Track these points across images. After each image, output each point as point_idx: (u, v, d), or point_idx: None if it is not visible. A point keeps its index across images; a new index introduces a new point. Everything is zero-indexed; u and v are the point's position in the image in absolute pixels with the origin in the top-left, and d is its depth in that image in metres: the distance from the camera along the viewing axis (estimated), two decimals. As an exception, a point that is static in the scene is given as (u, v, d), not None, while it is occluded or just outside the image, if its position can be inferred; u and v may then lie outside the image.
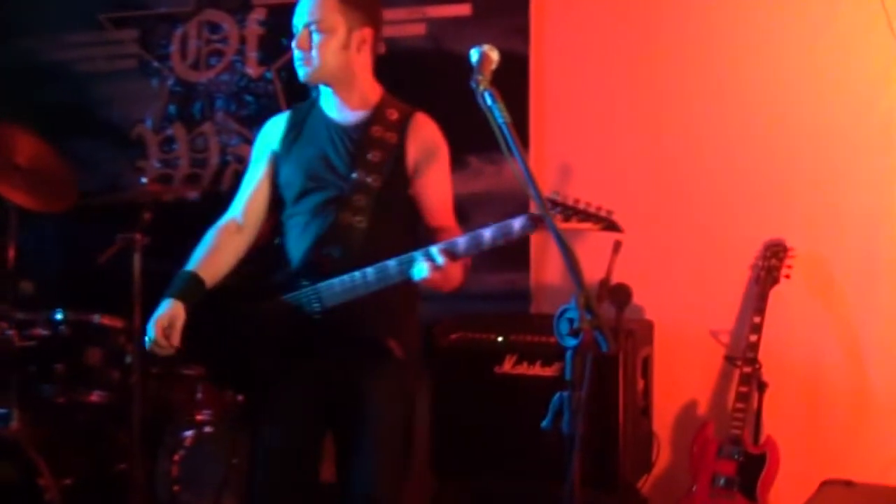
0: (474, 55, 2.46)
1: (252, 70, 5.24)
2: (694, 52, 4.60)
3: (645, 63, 4.64)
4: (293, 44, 3.05)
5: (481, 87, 2.36)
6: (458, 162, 4.75)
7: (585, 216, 2.45)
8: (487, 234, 2.63)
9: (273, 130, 3.20)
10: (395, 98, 3.15)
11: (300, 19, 3.05)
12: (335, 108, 3.10)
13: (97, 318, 4.16)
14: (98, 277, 4.25)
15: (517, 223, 2.57)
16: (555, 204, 2.44)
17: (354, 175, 2.96)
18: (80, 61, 5.48)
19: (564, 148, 4.71)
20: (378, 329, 2.98)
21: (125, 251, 4.13)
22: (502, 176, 4.71)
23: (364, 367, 2.98)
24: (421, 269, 2.71)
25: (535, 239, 4.67)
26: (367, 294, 2.86)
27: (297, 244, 3.03)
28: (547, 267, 4.71)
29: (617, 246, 4.01)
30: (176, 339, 2.92)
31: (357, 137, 3.03)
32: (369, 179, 2.95)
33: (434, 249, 2.70)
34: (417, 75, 4.59)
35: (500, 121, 2.31)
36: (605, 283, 3.99)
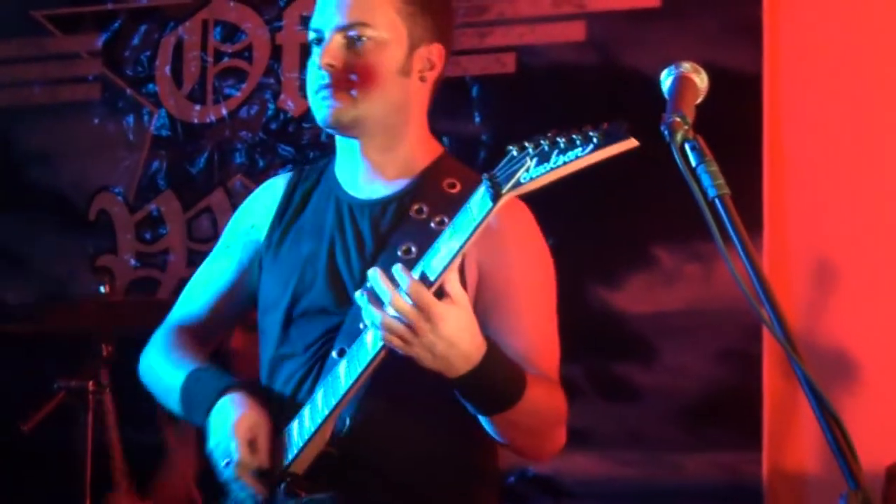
0: (667, 79, 2.45)
1: (292, 102, 5.35)
2: None
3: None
4: (314, 60, 3.02)
5: (679, 135, 2.33)
6: (638, 259, 4.76)
7: (568, 142, 2.51)
8: (445, 234, 2.68)
9: (260, 205, 3.24)
10: (462, 164, 3.14)
11: (327, 18, 3.01)
12: (359, 175, 3.10)
13: (21, 521, 4.23)
14: (23, 452, 4.29)
15: (474, 200, 2.62)
16: (522, 150, 2.54)
17: None
18: (4, 88, 5.64)
19: (821, 231, 4.73)
20: None
21: (69, 409, 4.17)
22: (713, 281, 4.70)
23: None
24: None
25: (770, 401, 4.64)
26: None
27: (280, 411, 3.01)
28: (791, 445, 4.68)
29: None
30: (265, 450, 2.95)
31: (385, 221, 3.03)
32: None
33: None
34: (569, 109, 4.59)
35: (713, 193, 2.30)
36: (897, 472, 3.97)
